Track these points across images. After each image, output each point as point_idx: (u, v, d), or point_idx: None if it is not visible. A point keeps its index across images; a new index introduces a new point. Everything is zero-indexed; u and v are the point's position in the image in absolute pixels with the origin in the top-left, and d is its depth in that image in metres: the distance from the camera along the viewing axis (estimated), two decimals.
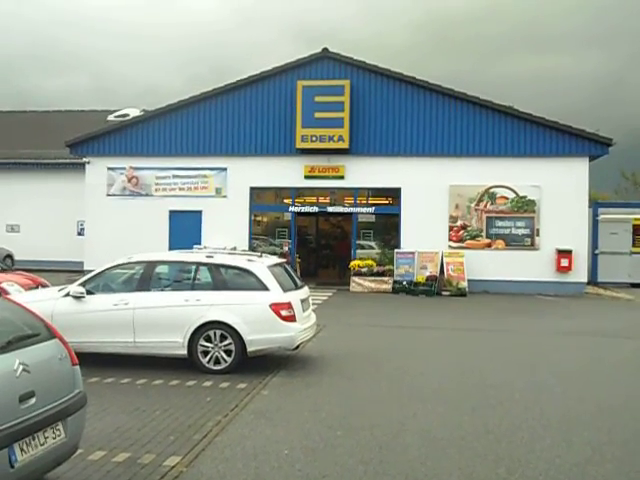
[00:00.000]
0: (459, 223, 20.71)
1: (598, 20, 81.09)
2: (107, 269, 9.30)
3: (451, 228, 20.72)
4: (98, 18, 78.20)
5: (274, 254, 17.81)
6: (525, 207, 20.36)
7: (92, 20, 78.03)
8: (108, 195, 22.15)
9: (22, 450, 4.00)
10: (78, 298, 8.91)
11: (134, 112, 29.63)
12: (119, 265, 9.36)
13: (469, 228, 20.66)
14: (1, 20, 74.76)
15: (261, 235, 22.70)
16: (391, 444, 6.01)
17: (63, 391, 4.56)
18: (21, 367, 4.14)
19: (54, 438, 4.31)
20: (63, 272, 22.74)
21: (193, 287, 9.00)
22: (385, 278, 20.20)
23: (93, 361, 8.47)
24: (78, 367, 4.87)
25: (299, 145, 20.74)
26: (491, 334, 12.74)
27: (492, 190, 20.55)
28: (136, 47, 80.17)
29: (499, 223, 20.54)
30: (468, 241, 20.63)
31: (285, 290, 8.87)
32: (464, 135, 20.65)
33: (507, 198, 20.48)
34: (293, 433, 6.26)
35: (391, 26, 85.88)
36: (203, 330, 8.65)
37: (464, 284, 19.69)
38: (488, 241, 20.59)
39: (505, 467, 5.47)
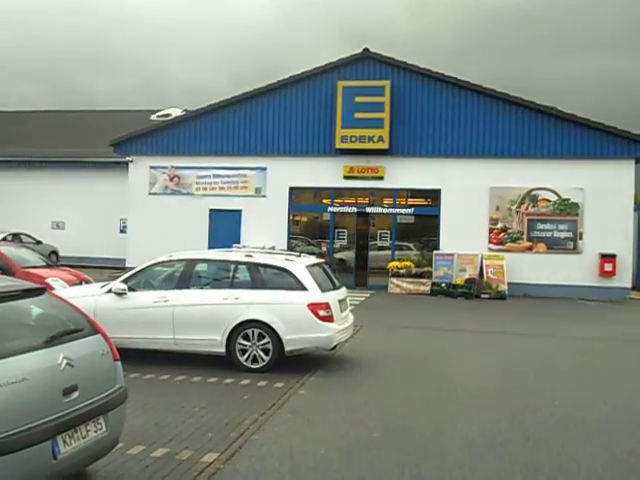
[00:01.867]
0: (499, 225, 20.44)
1: None
2: (148, 267, 9.44)
3: (491, 230, 20.46)
4: (147, 17, 79.36)
5: (312, 254, 17.85)
6: (568, 210, 19.98)
7: (141, 19, 79.21)
8: (150, 194, 22.50)
9: (65, 442, 4.09)
10: (120, 295, 9.06)
11: (176, 112, 30.03)
12: (160, 263, 9.50)
13: (510, 231, 20.36)
14: (54, 20, 76.56)
15: (299, 235, 22.78)
16: (428, 447, 5.96)
17: (105, 386, 4.65)
18: (65, 361, 4.23)
19: (95, 432, 4.39)
20: (106, 269, 23.18)
21: (232, 285, 9.07)
22: (423, 280, 20.06)
23: (133, 357, 8.59)
24: (120, 363, 4.95)
25: (339, 145, 20.75)
26: (531, 338, 12.53)
27: (534, 192, 20.21)
28: (183, 47, 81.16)
29: (541, 226, 20.19)
30: (509, 244, 20.34)
31: (323, 290, 8.88)
32: (505, 136, 20.38)
33: (549, 200, 20.13)
34: (330, 433, 6.26)
35: (438, 26, 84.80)
36: (241, 328, 8.71)
37: (504, 287, 19.42)
38: (529, 244, 20.26)
39: (545, 475, 5.37)
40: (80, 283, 13.19)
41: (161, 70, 79.11)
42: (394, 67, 21.04)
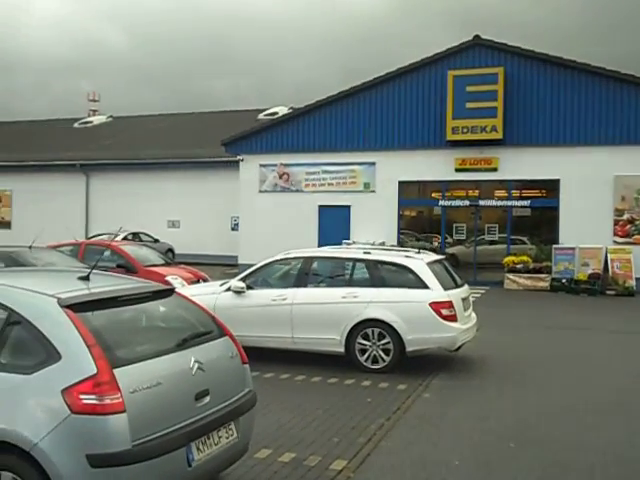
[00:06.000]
0: (626, 217, 19.06)
1: None
2: (266, 265, 9.39)
3: (616, 222, 19.12)
4: (261, 17, 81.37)
5: (423, 249, 17.38)
6: None
7: (256, 19, 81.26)
8: (260, 191, 22.75)
9: (198, 449, 3.98)
10: (238, 293, 9.06)
11: (283, 110, 30.37)
12: (277, 261, 9.42)
13: (637, 222, 18.96)
14: (176, 25, 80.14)
15: (409, 230, 22.31)
16: (572, 463, 5.45)
17: (234, 390, 4.53)
18: (196, 365, 4.13)
19: (227, 438, 4.27)
20: (218, 266, 23.69)
21: (350, 283, 8.86)
22: (542, 275, 19.06)
23: (252, 356, 8.55)
24: (248, 365, 4.83)
25: (450, 137, 20.09)
26: None
27: None
28: (296, 45, 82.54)
29: None
30: (636, 236, 18.92)
31: (445, 288, 8.48)
32: (631, 121, 18.94)
33: None
34: (462, 442, 5.88)
35: (559, 8, 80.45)
36: (361, 328, 8.47)
37: (632, 283, 18.10)
38: None
39: None
40: (198, 281, 13.43)
41: (274, 68, 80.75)
42: (507, 53, 20.10)
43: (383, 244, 18.75)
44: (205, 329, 4.61)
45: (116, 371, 3.64)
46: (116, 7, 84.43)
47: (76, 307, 3.86)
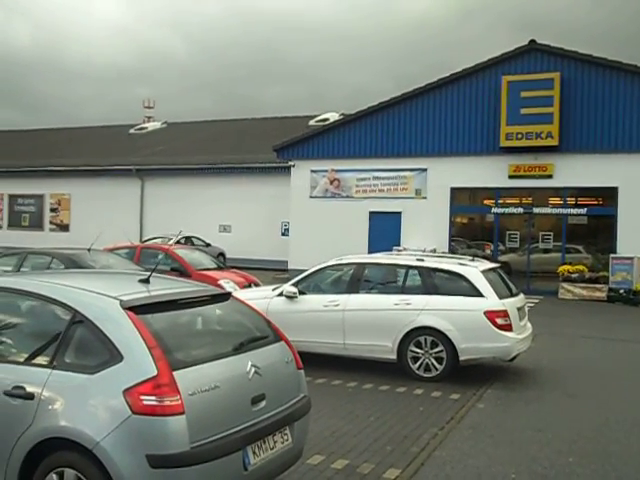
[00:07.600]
0: None
1: None
2: (318, 270, 9.39)
3: None
4: (317, 24, 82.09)
5: (475, 257, 17.12)
6: None
7: (311, 25, 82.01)
8: (311, 197, 22.84)
9: (254, 453, 4.00)
10: (291, 298, 9.09)
11: (334, 116, 30.40)
12: (329, 266, 9.42)
13: None
14: (230, 32, 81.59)
15: (460, 237, 22.03)
16: (633, 479, 5.28)
17: (289, 395, 4.53)
18: (253, 369, 4.15)
19: (282, 443, 4.27)
20: (268, 270, 23.85)
21: (403, 290, 8.78)
22: (598, 285, 18.54)
23: (304, 361, 8.55)
24: (303, 371, 4.83)
25: (504, 143, 19.78)
26: None
27: None
28: (350, 52, 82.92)
29: None
30: None
31: (500, 297, 8.33)
32: None
33: None
34: (518, 455, 5.75)
35: (619, 9, 78.14)
36: (413, 335, 8.39)
37: None
38: None
39: None
40: (249, 285, 13.55)
41: (327, 75, 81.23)
42: (564, 58, 19.69)
43: (434, 251, 18.56)
44: (261, 334, 4.64)
45: (176, 373, 3.69)
46: (177, 13, 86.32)
47: (137, 309, 3.93)
